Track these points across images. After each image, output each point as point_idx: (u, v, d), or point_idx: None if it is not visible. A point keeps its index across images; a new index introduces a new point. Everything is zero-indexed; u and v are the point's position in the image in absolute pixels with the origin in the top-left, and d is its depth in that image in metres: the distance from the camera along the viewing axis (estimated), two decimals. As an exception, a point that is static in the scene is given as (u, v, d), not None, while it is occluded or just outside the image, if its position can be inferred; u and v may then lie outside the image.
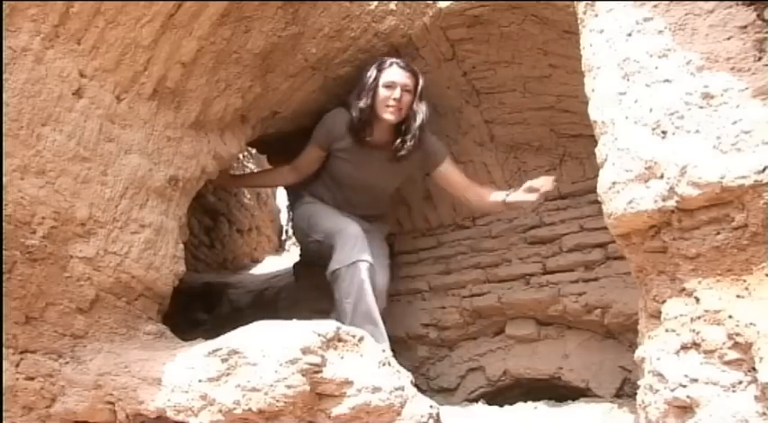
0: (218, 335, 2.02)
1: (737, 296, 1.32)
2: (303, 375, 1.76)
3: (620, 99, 1.51)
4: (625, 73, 1.51)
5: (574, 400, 2.52)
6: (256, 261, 6.10)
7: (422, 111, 2.63)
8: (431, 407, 1.94)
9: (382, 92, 2.60)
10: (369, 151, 2.71)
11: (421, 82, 2.64)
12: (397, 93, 2.58)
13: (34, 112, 2.01)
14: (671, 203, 1.39)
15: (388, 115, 2.61)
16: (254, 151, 5.71)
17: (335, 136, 2.75)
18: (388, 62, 2.64)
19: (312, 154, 2.84)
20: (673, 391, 1.40)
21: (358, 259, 2.50)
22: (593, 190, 1.64)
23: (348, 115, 2.70)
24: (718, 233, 1.35)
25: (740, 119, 1.31)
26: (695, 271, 1.40)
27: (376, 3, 2.72)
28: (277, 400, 1.75)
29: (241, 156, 5.77)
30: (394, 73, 2.61)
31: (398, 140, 2.64)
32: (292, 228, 3.27)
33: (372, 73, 2.62)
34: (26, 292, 2.05)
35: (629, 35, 1.51)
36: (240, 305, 4.39)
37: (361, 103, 2.62)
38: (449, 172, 2.75)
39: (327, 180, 2.90)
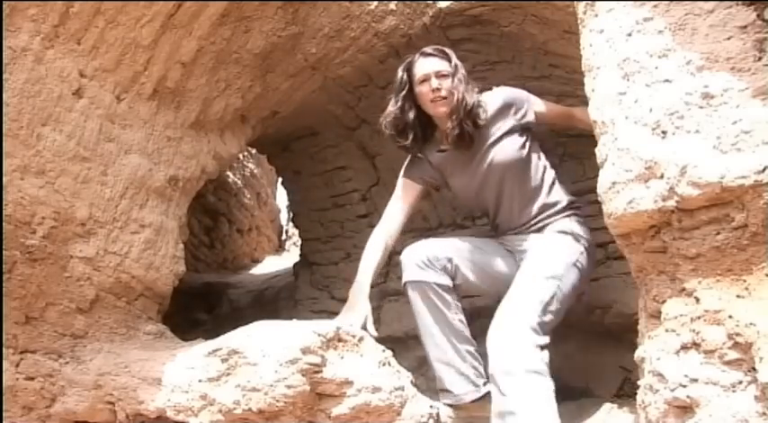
0: (218, 335, 2.02)
1: (737, 296, 1.32)
2: (303, 375, 1.76)
3: (620, 99, 1.51)
4: (625, 73, 1.51)
5: (574, 400, 2.52)
6: (256, 261, 6.12)
7: (458, 89, 2.32)
8: (431, 407, 1.94)
9: (421, 90, 2.37)
10: (455, 155, 2.43)
11: (455, 60, 2.39)
12: (434, 82, 2.34)
13: (34, 112, 2.01)
14: (671, 203, 1.39)
15: (441, 108, 2.35)
16: (254, 151, 5.74)
17: (419, 161, 2.51)
18: (415, 57, 2.42)
19: (406, 187, 2.51)
20: (673, 391, 1.40)
21: (404, 281, 2.38)
22: (594, 190, 1.64)
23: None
24: (719, 233, 1.35)
25: (740, 119, 1.30)
26: (695, 271, 1.40)
27: (376, 3, 2.72)
28: (277, 400, 1.75)
29: (241, 156, 5.80)
30: (422, 66, 2.38)
31: (448, 127, 2.36)
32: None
33: (400, 75, 2.41)
34: (26, 292, 2.05)
35: (629, 35, 1.51)
36: (240, 305, 4.40)
37: (391, 106, 2.40)
38: (543, 112, 2.49)
39: (473, 212, 2.71)
